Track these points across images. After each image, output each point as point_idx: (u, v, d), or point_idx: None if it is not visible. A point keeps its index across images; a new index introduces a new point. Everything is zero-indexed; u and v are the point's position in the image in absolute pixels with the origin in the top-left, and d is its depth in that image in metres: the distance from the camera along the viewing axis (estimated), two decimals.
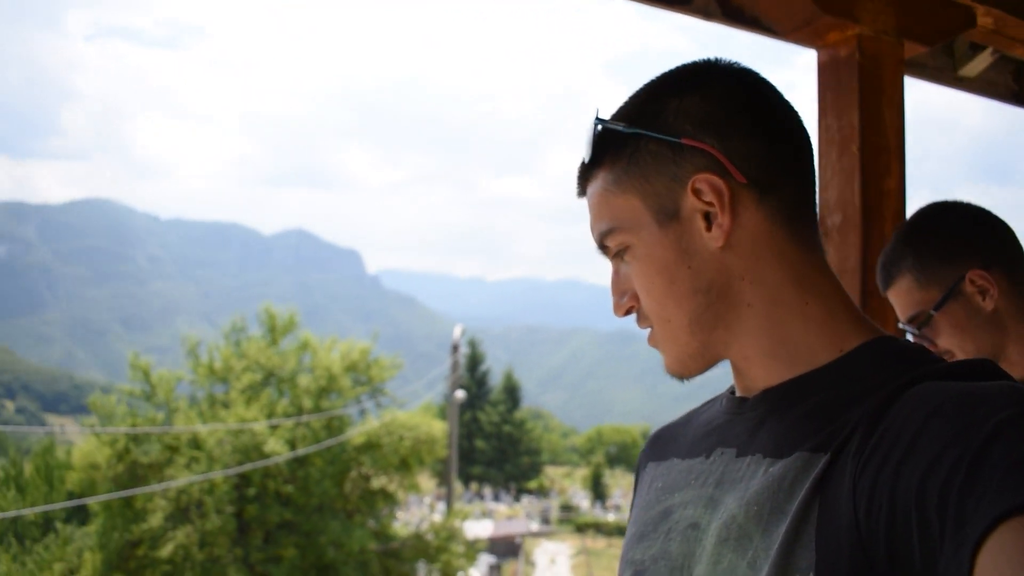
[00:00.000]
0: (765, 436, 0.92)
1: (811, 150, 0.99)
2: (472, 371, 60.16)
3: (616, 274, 1.02)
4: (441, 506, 37.40)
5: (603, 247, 1.01)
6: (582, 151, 1.01)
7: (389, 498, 19.68)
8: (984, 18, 2.36)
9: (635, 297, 0.99)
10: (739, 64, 0.99)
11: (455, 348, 23.75)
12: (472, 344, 62.39)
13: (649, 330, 1.01)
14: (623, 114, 0.98)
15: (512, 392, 63.06)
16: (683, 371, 1.00)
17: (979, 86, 3.24)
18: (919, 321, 1.63)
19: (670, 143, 0.94)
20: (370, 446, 18.69)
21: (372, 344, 20.26)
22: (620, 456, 75.55)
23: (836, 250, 2.11)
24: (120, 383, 19.90)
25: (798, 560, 0.78)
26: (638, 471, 1.16)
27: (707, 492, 0.94)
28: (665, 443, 1.12)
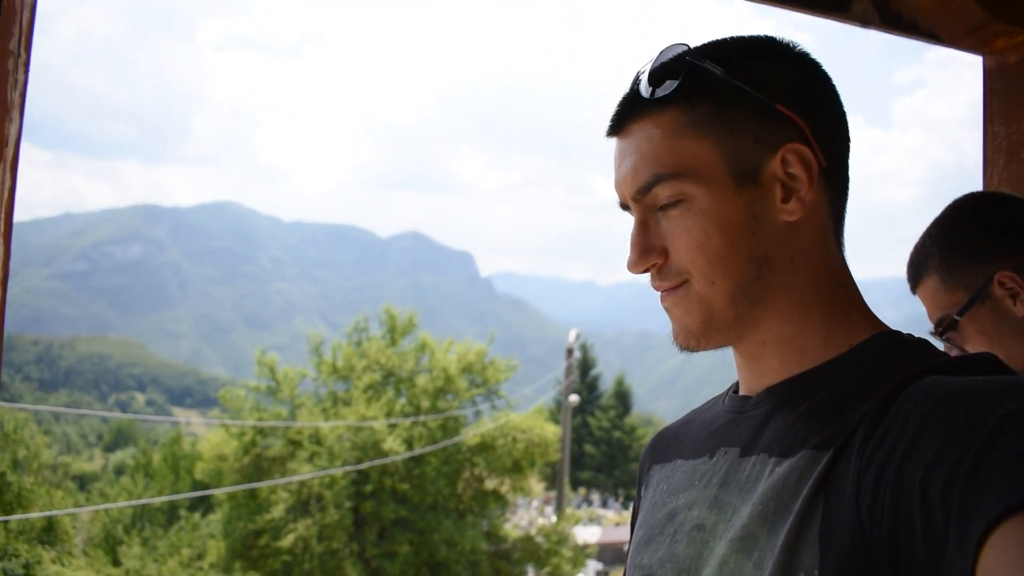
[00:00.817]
0: (770, 435, 0.91)
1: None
2: (583, 375, 60.01)
3: (645, 226, 0.95)
4: (548, 510, 37.51)
5: (646, 191, 0.93)
6: (641, 82, 0.94)
7: (501, 499, 19.86)
8: None
9: (663, 253, 0.94)
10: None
11: (570, 352, 23.76)
12: (584, 348, 62.32)
13: (668, 291, 0.96)
14: (721, 61, 0.91)
15: (623, 398, 62.57)
16: (700, 341, 0.95)
17: None
18: (944, 326, 1.50)
19: (764, 105, 0.90)
20: (484, 447, 18.91)
21: (488, 346, 20.50)
22: None
23: None
24: (243, 379, 20.75)
25: (803, 558, 0.78)
26: (641, 474, 1.16)
27: (711, 493, 0.93)
28: (668, 444, 1.12)
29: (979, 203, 1.60)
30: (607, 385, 64.03)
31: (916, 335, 0.94)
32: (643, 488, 1.13)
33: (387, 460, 16.83)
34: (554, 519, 22.14)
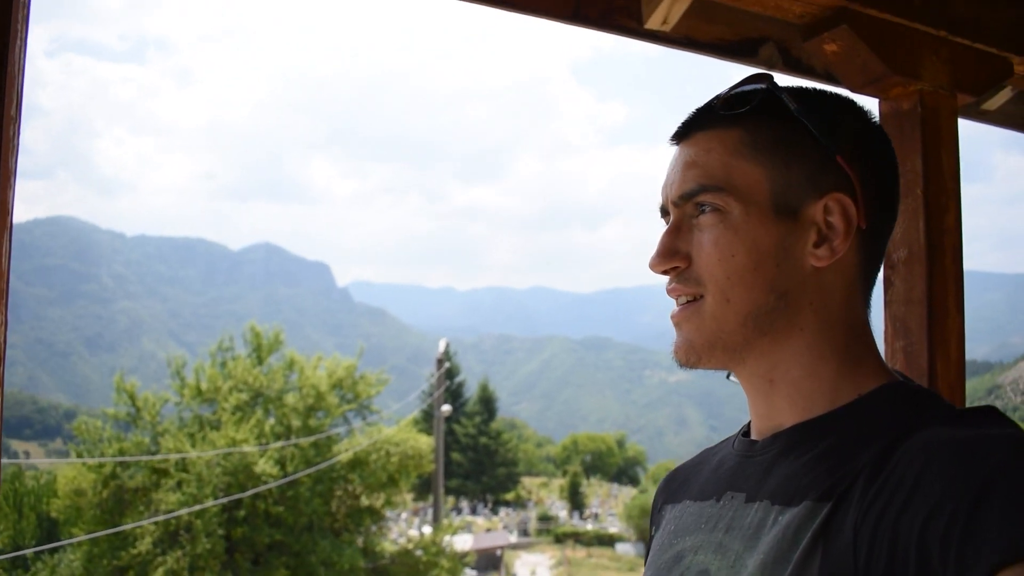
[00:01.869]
0: (773, 482, 0.93)
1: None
2: (447, 383, 60.12)
3: (676, 230, 0.98)
4: (418, 521, 37.32)
5: (688, 198, 0.97)
6: (717, 100, 0.98)
7: (376, 515, 19.68)
8: (1019, 67, 2.54)
9: (686, 259, 0.96)
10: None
11: (440, 362, 23.81)
12: (447, 355, 62.32)
13: (681, 301, 0.98)
14: (796, 98, 0.96)
15: (488, 403, 63.03)
16: (701, 358, 0.98)
17: (998, 118, 3.44)
18: None
19: (824, 151, 0.94)
20: (358, 463, 18.68)
21: (357, 360, 20.27)
22: (596, 465, 75.76)
23: (903, 282, 2.27)
24: (86, 405, 19.59)
25: None
26: (653, 513, 1.18)
27: (717, 538, 0.95)
28: (679, 485, 1.14)
29: None
30: (471, 391, 64.32)
31: (924, 386, 0.99)
32: (654, 528, 1.15)
33: (263, 488, 16.32)
34: (425, 530, 22.12)
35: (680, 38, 2.45)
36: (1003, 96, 3.29)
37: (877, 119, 1.02)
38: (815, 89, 1.01)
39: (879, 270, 1.02)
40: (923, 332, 2.20)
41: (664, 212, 1.03)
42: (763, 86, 0.96)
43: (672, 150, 1.04)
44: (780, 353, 0.96)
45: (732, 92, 0.97)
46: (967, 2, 2.35)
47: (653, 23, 2.35)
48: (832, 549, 0.80)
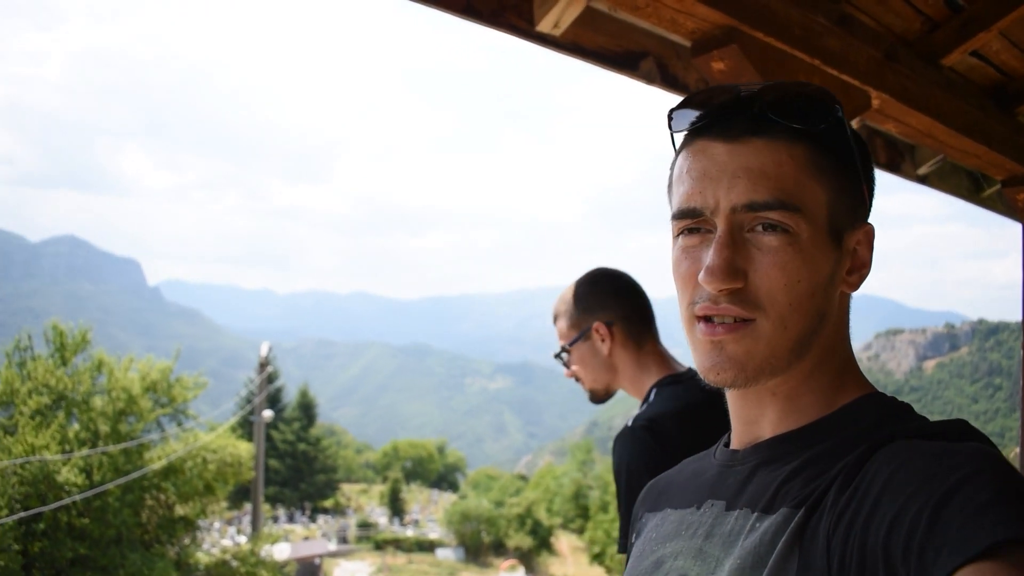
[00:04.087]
0: (753, 490, 0.94)
1: None
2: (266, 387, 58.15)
3: (732, 244, 0.90)
4: (232, 530, 35.87)
5: (756, 209, 0.90)
6: (769, 106, 0.91)
7: (190, 525, 18.75)
8: (875, 100, 2.75)
9: (743, 278, 0.90)
10: None
11: (262, 366, 22.98)
12: (265, 362, 60.34)
13: (728, 321, 0.92)
14: (851, 127, 0.96)
15: (307, 409, 61.47)
16: (749, 380, 0.93)
17: None
18: (560, 352, 2.16)
19: (859, 181, 0.96)
20: (172, 471, 17.72)
21: (173, 363, 19.24)
22: (416, 471, 75.56)
23: None
24: None
25: None
26: (634, 522, 1.19)
27: (697, 544, 0.96)
28: (659, 493, 1.15)
29: (594, 274, 2.19)
30: (290, 397, 62.56)
31: (900, 399, 0.97)
32: (634, 536, 1.16)
33: (67, 501, 15.11)
34: (240, 540, 21.26)
35: (568, 44, 2.49)
36: (854, 125, 3.56)
37: None
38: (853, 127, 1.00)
39: None
40: None
41: (692, 214, 0.94)
42: (835, 105, 0.92)
43: (715, 149, 0.93)
44: (797, 371, 0.95)
45: (793, 102, 0.91)
46: (837, 38, 2.52)
47: (544, 26, 2.37)
48: (807, 555, 0.81)
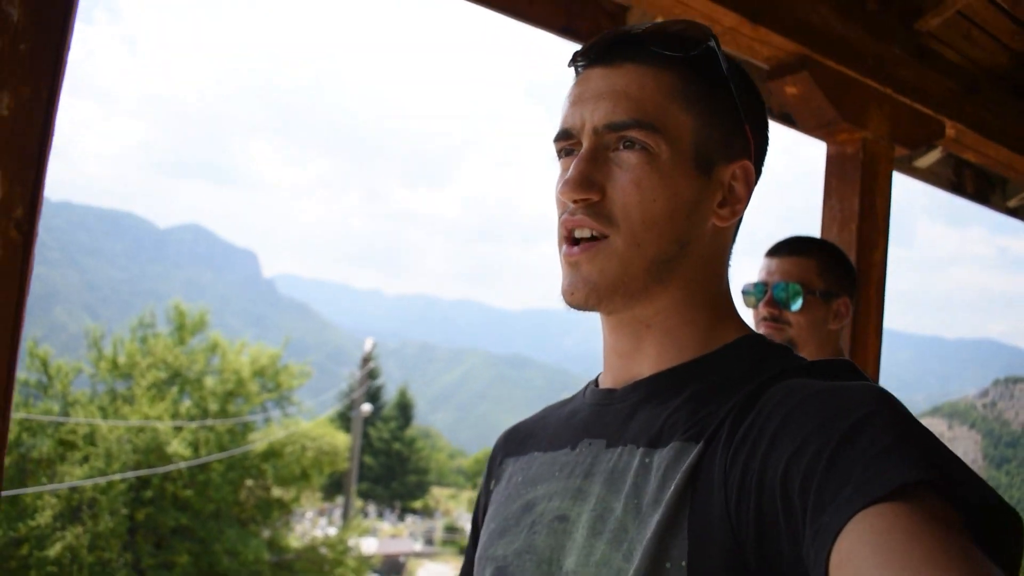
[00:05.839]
0: (637, 426, 0.91)
1: None
2: (367, 384, 59.46)
3: (592, 158, 0.92)
4: (323, 521, 36.91)
5: (617, 129, 0.91)
6: (646, 34, 0.93)
7: (285, 508, 19.46)
8: (951, 130, 2.84)
9: (600, 192, 0.91)
10: None
11: (366, 360, 23.72)
12: (371, 356, 61.69)
13: (583, 235, 0.93)
14: (727, 61, 0.96)
15: (405, 409, 62.61)
16: (601, 300, 0.93)
17: (926, 176, 3.77)
18: (803, 293, 2.07)
19: (738, 117, 0.96)
20: (272, 454, 18.48)
21: (282, 351, 20.09)
22: None
23: None
24: None
25: (671, 549, 0.78)
26: (491, 468, 1.14)
27: (575, 483, 0.93)
28: (523, 438, 1.11)
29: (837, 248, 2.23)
30: (389, 396, 63.86)
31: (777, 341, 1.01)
32: (492, 482, 1.11)
33: (172, 467, 16.01)
34: (330, 531, 21.92)
35: None
36: (933, 156, 3.63)
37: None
38: (735, 61, 0.99)
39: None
40: (846, 350, 2.46)
41: (565, 136, 0.97)
42: (708, 38, 0.93)
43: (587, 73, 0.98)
44: (665, 301, 0.95)
45: (668, 30, 0.93)
46: (911, 67, 2.64)
47: None
48: (702, 492, 0.80)
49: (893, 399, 0.75)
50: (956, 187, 3.84)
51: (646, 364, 0.97)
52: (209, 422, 17.58)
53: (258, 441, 18.31)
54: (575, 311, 0.95)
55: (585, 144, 0.93)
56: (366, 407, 23.35)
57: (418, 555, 46.68)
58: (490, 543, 0.99)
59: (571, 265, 0.93)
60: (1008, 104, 3.02)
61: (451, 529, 55.25)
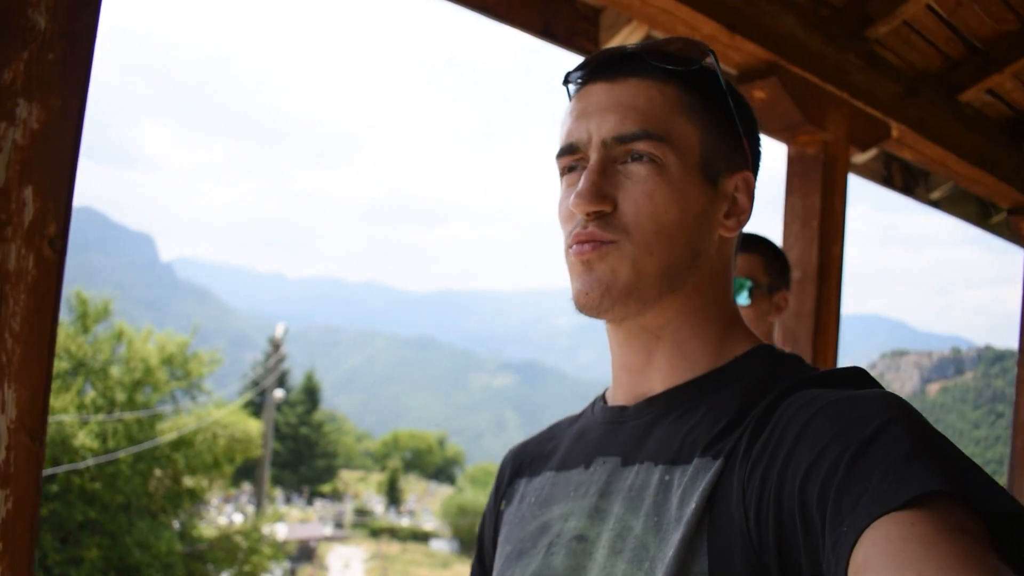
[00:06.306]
0: (654, 443, 0.91)
1: None
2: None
3: (602, 171, 0.92)
4: (229, 508, 36.23)
5: (626, 141, 0.91)
6: (648, 51, 0.95)
7: (196, 498, 19.06)
8: (895, 131, 3.02)
9: (612, 204, 0.91)
10: None
11: (276, 346, 23.33)
12: (279, 343, 60.50)
13: (595, 244, 0.91)
14: (724, 77, 0.98)
15: (312, 394, 61.80)
16: (616, 303, 0.92)
17: (861, 171, 3.98)
18: (754, 287, 2.22)
19: (737, 131, 0.98)
20: (183, 443, 18.05)
21: (191, 338, 19.58)
22: (415, 462, 75.83)
23: (796, 297, 2.69)
24: None
25: (692, 566, 0.78)
26: (500, 489, 1.13)
27: (591, 503, 0.92)
28: (533, 458, 1.10)
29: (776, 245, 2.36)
30: (295, 380, 62.92)
31: (788, 351, 1.00)
32: (503, 503, 1.10)
33: (81, 465, 15.45)
34: (236, 518, 21.55)
35: None
36: (869, 152, 3.84)
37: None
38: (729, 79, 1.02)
39: None
40: (809, 342, 2.61)
41: (570, 151, 0.96)
42: (706, 54, 0.95)
43: (594, 91, 0.96)
44: (675, 311, 0.95)
45: (670, 45, 0.95)
46: (864, 72, 2.81)
47: None
48: (722, 507, 0.80)
49: (910, 407, 0.75)
50: (886, 180, 4.07)
51: (658, 379, 0.96)
52: (117, 415, 17.02)
53: (168, 430, 17.84)
54: (587, 317, 0.94)
55: (594, 157, 0.92)
56: (278, 392, 22.97)
57: (328, 539, 46.32)
58: (507, 566, 0.99)
59: (583, 264, 0.92)
60: (943, 105, 3.23)
61: (361, 512, 54.98)
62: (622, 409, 0.98)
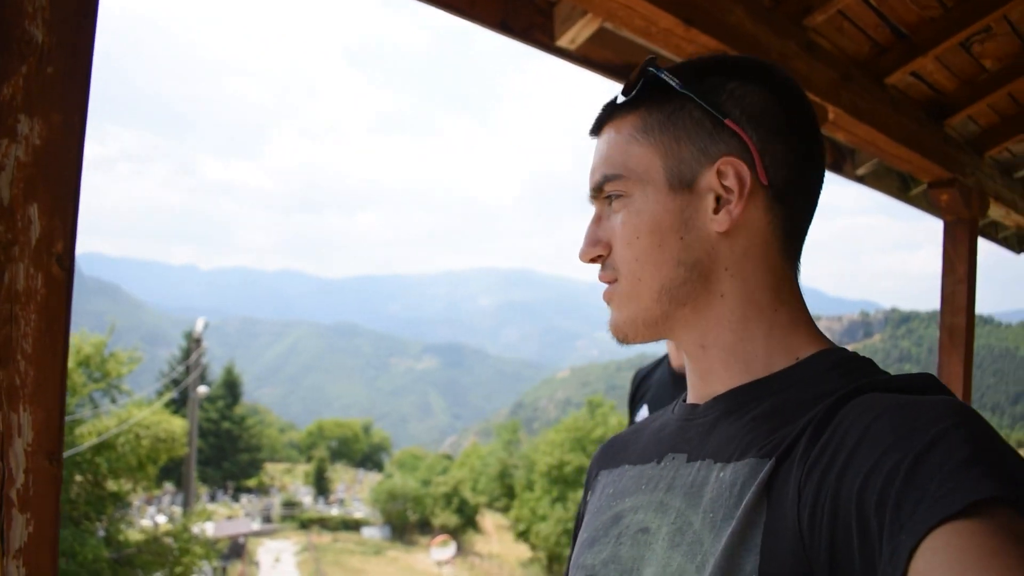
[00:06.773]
0: (715, 441, 0.93)
1: (824, 173, 1.00)
2: (191, 365, 56.99)
3: (597, 220, 1.01)
4: (151, 510, 35.42)
5: (598, 190, 1.00)
6: (617, 91, 1.01)
7: (120, 502, 18.56)
8: (831, 114, 3.15)
9: (607, 247, 0.99)
10: (791, 76, 0.99)
11: (198, 341, 22.80)
12: (189, 337, 59.05)
13: (608, 285, 1.01)
14: (679, 73, 0.96)
15: (232, 387, 60.69)
16: (630, 334, 1.00)
17: None
18: None
19: (713, 118, 0.94)
20: (104, 447, 17.50)
21: (108, 337, 18.98)
22: (342, 450, 75.27)
23: None
24: None
25: (743, 563, 0.79)
26: (589, 480, 1.17)
27: (658, 497, 0.95)
28: (616, 451, 1.14)
29: None
30: (214, 375, 61.67)
31: (863, 355, 0.97)
32: (589, 494, 1.15)
33: None
34: (160, 518, 21.09)
35: (579, 56, 2.84)
36: None
37: (778, 71, 0.98)
38: (700, 59, 0.99)
39: (804, 224, 0.99)
40: None
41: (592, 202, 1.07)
42: (647, 67, 0.97)
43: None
44: (706, 321, 0.97)
45: (628, 80, 1.00)
46: (804, 60, 2.91)
47: (563, 42, 2.72)
48: (776, 506, 0.80)
49: (973, 413, 0.73)
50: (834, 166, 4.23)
51: (718, 382, 0.99)
52: None
53: (88, 435, 17.28)
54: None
55: (595, 210, 1.02)
56: (202, 389, 22.50)
57: (257, 534, 45.70)
58: (581, 552, 1.03)
59: (607, 304, 1.02)
60: (873, 89, 3.36)
61: (289, 504, 54.32)
62: (694, 407, 1.02)
